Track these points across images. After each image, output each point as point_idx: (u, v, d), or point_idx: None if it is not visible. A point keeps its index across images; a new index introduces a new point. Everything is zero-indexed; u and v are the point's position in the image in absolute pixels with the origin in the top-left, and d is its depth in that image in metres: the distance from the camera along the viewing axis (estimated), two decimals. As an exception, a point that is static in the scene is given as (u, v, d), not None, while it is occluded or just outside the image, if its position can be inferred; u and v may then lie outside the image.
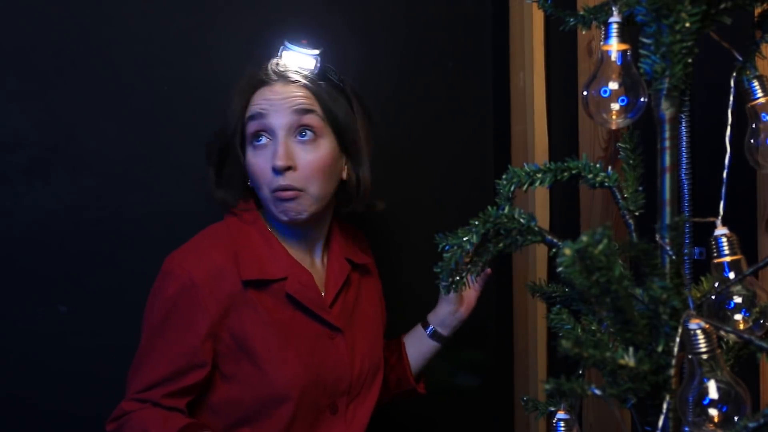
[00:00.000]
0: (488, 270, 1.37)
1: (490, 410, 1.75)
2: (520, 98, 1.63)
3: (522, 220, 0.83)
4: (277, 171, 1.12)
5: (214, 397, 1.15)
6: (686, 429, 0.75)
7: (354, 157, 1.21)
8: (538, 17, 1.57)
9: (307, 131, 1.14)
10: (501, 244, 0.85)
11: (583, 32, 0.95)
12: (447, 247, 0.83)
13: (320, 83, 1.15)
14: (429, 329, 1.36)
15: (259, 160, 1.14)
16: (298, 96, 1.13)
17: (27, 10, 1.37)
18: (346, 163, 1.21)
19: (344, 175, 1.21)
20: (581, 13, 0.89)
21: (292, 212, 1.14)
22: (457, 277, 0.87)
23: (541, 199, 1.58)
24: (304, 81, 1.14)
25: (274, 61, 1.16)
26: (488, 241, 0.85)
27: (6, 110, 1.36)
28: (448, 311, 1.34)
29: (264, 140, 1.15)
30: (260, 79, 1.15)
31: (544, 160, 1.12)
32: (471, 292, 1.37)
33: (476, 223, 0.82)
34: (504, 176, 0.87)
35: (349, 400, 1.22)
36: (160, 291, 1.12)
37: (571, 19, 0.90)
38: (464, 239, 0.82)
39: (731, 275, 0.81)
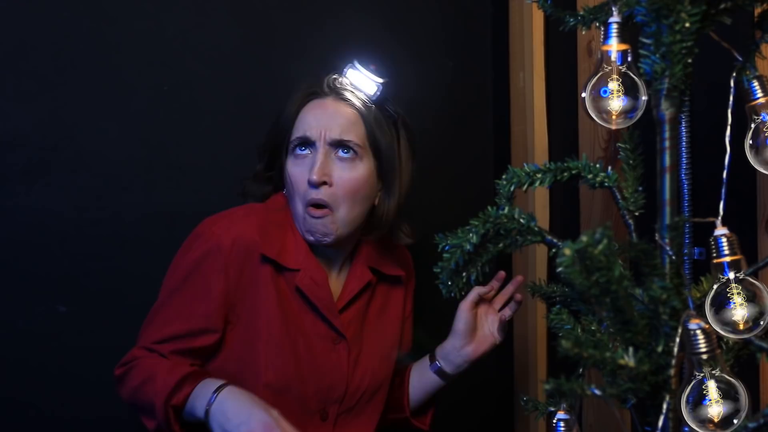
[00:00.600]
0: (509, 313, 1.28)
1: (490, 410, 1.75)
2: (520, 98, 1.63)
3: (522, 220, 0.83)
4: (312, 184, 1.13)
5: (210, 365, 1.16)
6: (686, 429, 0.75)
7: (388, 185, 1.20)
8: (538, 17, 1.56)
9: (349, 149, 1.15)
10: (501, 244, 0.85)
11: (583, 32, 0.95)
12: (447, 248, 0.83)
13: (372, 108, 1.17)
14: (434, 363, 1.26)
15: (297, 170, 1.16)
16: (346, 115, 1.15)
17: (27, 10, 1.37)
18: (380, 190, 1.21)
19: (377, 201, 1.21)
20: (581, 13, 0.89)
21: (318, 234, 1.15)
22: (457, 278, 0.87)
23: (541, 199, 1.58)
24: (355, 101, 1.16)
25: (333, 76, 1.18)
26: (488, 241, 0.85)
27: (6, 110, 1.36)
28: (453, 346, 1.24)
29: (306, 151, 1.16)
30: (314, 91, 1.17)
31: (544, 160, 1.12)
32: (488, 336, 1.25)
33: (476, 223, 0.82)
34: (504, 176, 0.87)
35: (340, 409, 1.21)
36: (187, 250, 1.15)
37: (571, 19, 0.90)
38: (464, 239, 0.82)
39: (731, 275, 0.81)
